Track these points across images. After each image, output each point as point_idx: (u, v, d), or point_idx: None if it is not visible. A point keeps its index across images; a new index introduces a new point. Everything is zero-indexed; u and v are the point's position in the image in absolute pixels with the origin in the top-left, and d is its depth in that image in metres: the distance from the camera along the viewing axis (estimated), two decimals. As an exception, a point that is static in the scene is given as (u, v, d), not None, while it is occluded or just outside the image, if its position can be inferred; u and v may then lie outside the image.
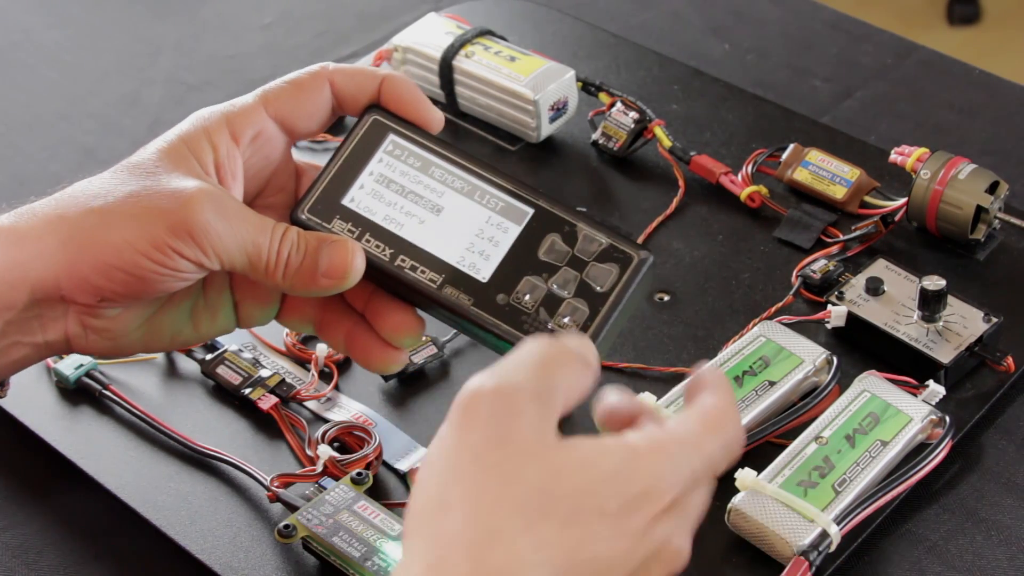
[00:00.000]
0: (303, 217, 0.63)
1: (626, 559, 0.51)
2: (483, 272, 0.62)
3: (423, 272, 0.62)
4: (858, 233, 0.88)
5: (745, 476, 0.72)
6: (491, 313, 0.61)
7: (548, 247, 0.61)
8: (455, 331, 0.83)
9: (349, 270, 0.62)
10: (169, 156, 0.62)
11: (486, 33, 0.99)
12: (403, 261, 0.62)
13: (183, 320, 0.66)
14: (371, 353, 0.65)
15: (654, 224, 0.91)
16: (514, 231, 0.62)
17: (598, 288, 0.60)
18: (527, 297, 0.61)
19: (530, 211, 0.62)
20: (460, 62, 0.97)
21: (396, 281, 0.62)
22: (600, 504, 0.51)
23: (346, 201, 0.63)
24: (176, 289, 0.63)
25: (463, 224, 0.62)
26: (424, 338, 0.82)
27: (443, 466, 0.52)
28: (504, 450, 0.51)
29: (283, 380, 0.80)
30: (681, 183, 0.93)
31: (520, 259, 0.61)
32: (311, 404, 0.80)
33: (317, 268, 0.62)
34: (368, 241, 0.63)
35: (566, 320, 0.60)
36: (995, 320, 0.80)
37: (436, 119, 0.65)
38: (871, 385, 0.76)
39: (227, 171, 0.64)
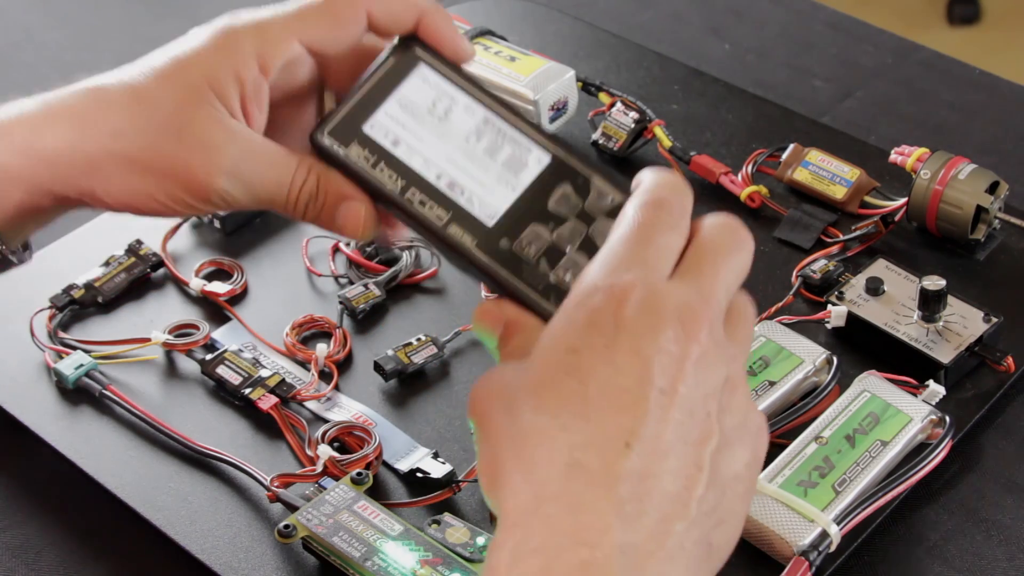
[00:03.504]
0: (323, 139, 0.62)
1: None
2: (490, 215, 0.61)
3: (431, 208, 0.61)
4: (858, 233, 0.88)
5: (745, 476, 0.72)
6: (492, 257, 0.60)
7: (559, 197, 0.60)
8: (455, 331, 0.83)
9: (359, 233, 0.62)
10: (191, 98, 0.61)
11: (486, 33, 0.99)
12: (413, 194, 0.61)
13: None
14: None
15: (654, 224, 0.91)
16: (527, 175, 0.61)
17: (602, 245, 0.58)
18: (530, 246, 0.59)
19: (546, 158, 0.61)
20: (460, 62, 0.97)
21: (403, 212, 0.61)
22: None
23: (367, 128, 0.62)
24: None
25: (479, 161, 0.61)
26: (424, 338, 0.82)
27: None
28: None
29: (283, 380, 0.80)
30: (681, 183, 0.93)
31: (529, 206, 0.60)
32: (311, 404, 0.80)
33: (333, 220, 0.62)
34: (382, 170, 0.61)
35: (565, 274, 0.59)
36: (995, 320, 0.80)
37: (468, 51, 0.63)
38: (871, 385, 0.76)
39: (253, 104, 0.62)
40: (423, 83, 0.62)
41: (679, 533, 0.50)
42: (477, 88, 0.62)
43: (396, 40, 0.63)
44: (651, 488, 0.50)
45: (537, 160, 0.61)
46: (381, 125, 0.62)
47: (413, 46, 0.63)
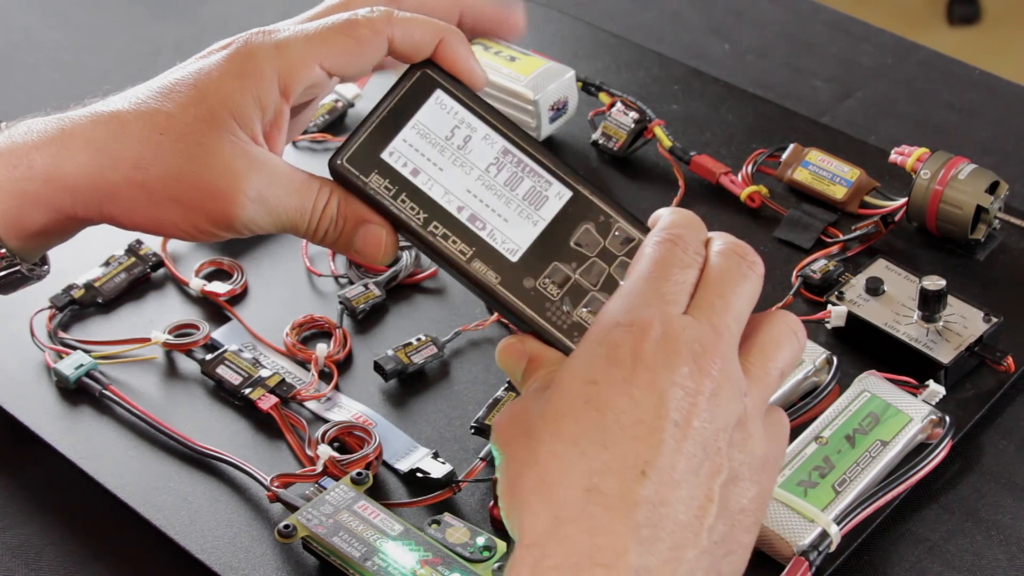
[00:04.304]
0: (342, 167, 0.62)
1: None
2: (513, 250, 0.61)
3: (454, 242, 0.61)
4: (858, 233, 0.88)
5: (745, 476, 0.72)
6: (516, 295, 0.60)
7: (581, 235, 0.61)
8: (455, 331, 0.83)
9: (379, 257, 0.62)
10: (212, 127, 0.61)
11: (486, 33, 0.99)
12: (435, 228, 0.61)
13: None
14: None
15: (654, 224, 0.91)
16: (548, 211, 0.61)
17: (621, 281, 0.59)
18: (553, 284, 0.60)
19: (567, 194, 0.61)
20: (460, 62, 0.97)
21: (426, 245, 0.61)
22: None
23: (385, 155, 0.62)
24: None
25: (500, 194, 0.62)
26: (424, 338, 0.82)
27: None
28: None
29: (283, 380, 0.80)
30: (681, 183, 0.93)
31: (552, 243, 0.61)
32: (311, 404, 0.80)
33: (351, 245, 0.62)
34: (403, 202, 0.61)
35: (587, 312, 0.60)
36: (995, 320, 0.80)
37: (483, 79, 0.64)
38: (871, 385, 0.76)
39: (274, 128, 0.62)
40: (440, 109, 0.62)
41: (691, 560, 0.52)
42: (493, 116, 0.62)
43: (411, 65, 0.63)
44: (665, 516, 0.52)
45: (557, 195, 0.62)
46: (400, 153, 0.62)
47: (428, 70, 0.63)
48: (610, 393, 0.53)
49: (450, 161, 0.62)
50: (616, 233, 0.60)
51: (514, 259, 0.61)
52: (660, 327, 0.54)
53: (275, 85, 0.61)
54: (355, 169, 0.61)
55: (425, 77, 0.62)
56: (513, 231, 0.61)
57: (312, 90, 0.63)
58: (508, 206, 0.61)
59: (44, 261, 0.68)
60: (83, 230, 0.65)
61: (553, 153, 0.62)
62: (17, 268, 0.65)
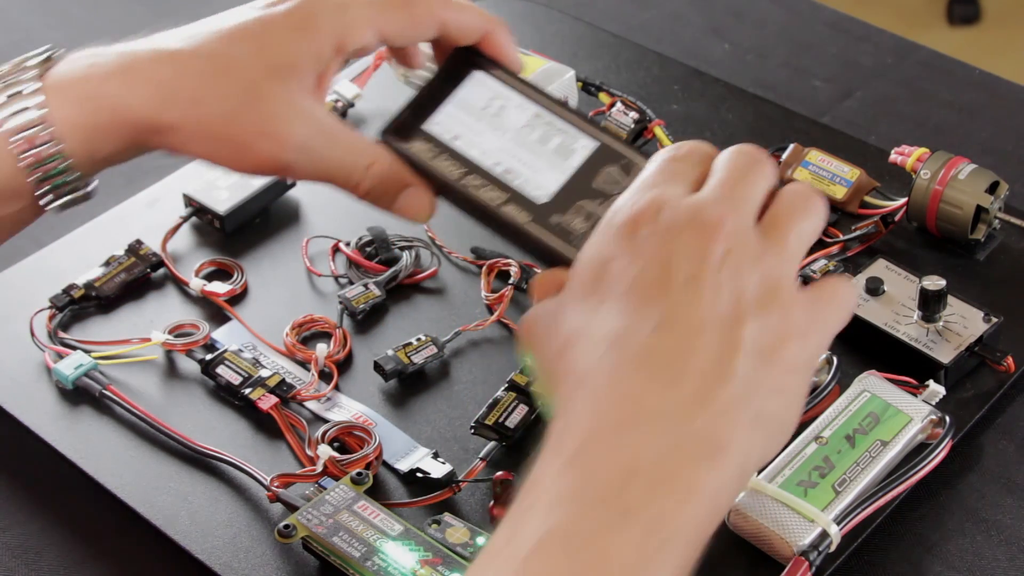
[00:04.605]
0: (389, 136, 0.67)
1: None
2: (542, 193, 0.66)
3: (488, 191, 0.66)
4: (858, 233, 0.88)
5: (745, 476, 0.72)
6: (545, 230, 0.64)
7: (604, 177, 0.64)
8: (455, 331, 0.83)
9: (422, 216, 0.67)
10: (270, 75, 0.65)
11: (486, 33, 0.99)
12: (471, 180, 0.66)
13: None
14: None
15: (654, 224, 0.91)
16: (575, 159, 0.66)
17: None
18: (578, 219, 0.63)
19: (593, 144, 0.66)
20: (460, 62, 0.97)
21: (461, 197, 0.66)
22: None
23: (427, 126, 0.68)
24: None
25: (532, 149, 0.67)
26: (424, 338, 0.82)
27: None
28: None
29: (283, 380, 0.80)
30: (681, 183, 0.93)
31: (577, 187, 0.65)
32: (311, 404, 0.80)
33: (393, 202, 0.67)
34: (443, 161, 0.67)
35: None
36: (995, 320, 0.80)
37: (521, 65, 0.70)
38: (871, 385, 0.76)
39: (322, 81, 0.67)
40: (480, 87, 0.69)
41: (722, 398, 0.53)
42: (530, 88, 0.68)
43: (456, 50, 0.69)
44: (687, 360, 0.54)
45: (584, 146, 0.67)
46: (442, 123, 0.68)
47: (472, 56, 0.69)
48: (621, 265, 0.56)
49: (487, 126, 0.68)
50: (637, 172, 0.62)
51: (543, 201, 0.65)
52: (665, 204, 0.56)
53: (332, 42, 0.66)
54: (401, 136, 0.67)
55: (468, 60, 0.69)
56: (542, 178, 0.66)
57: (360, 52, 0.67)
58: (538, 158, 0.66)
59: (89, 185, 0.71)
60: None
61: (583, 114, 0.68)
62: (85, 192, 0.68)
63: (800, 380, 0.56)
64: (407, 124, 0.68)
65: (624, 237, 0.56)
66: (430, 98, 0.69)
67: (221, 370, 0.81)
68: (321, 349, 0.82)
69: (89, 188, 0.67)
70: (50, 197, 0.66)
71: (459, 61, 0.69)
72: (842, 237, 0.88)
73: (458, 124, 0.68)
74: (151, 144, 0.66)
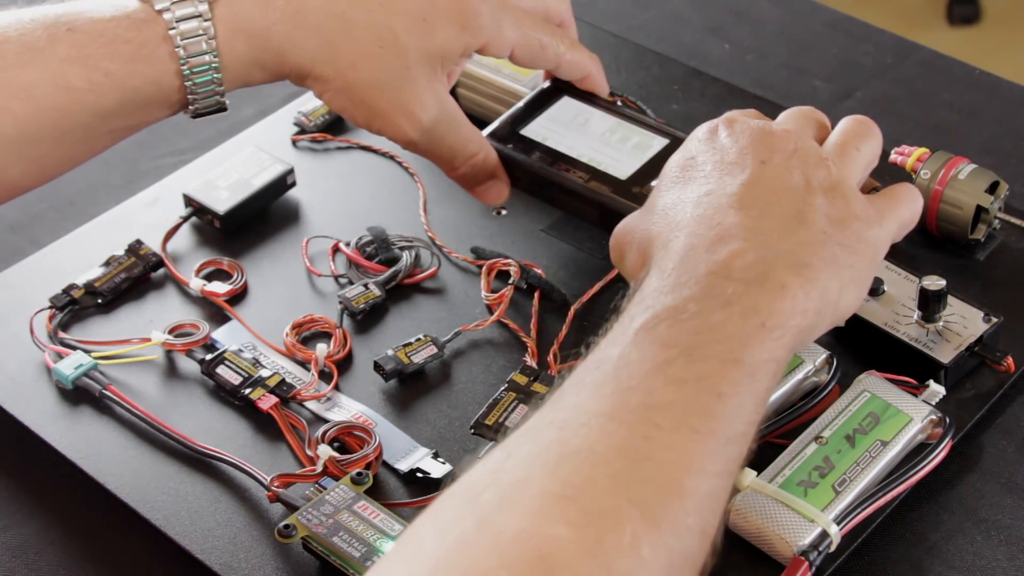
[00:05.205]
0: (490, 137, 0.81)
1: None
2: (623, 174, 0.80)
3: (575, 173, 0.80)
4: (858, 233, 0.88)
5: (744, 476, 0.72)
6: (628, 199, 0.78)
7: None
8: (455, 331, 0.83)
9: (495, 201, 0.82)
10: (423, 61, 0.74)
11: (486, 33, 0.99)
12: (559, 167, 0.81)
13: None
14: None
15: (654, 224, 0.91)
16: (651, 152, 0.81)
17: None
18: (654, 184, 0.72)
19: (665, 140, 0.82)
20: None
21: (551, 182, 0.80)
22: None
23: (523, 131, 0.83)
24: None
25: (614, 146, 0.82)
26: (424, 338, 0.82)
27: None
28: None
29: (283, 380, 0.80)
30: (681, 183, 0.93)
31: (654, 167, 0.78)
32: (311, 404, 0.80)
33: (476, 186, 0.81)
34: (535, 155, 0.82)
35: None
36: (995, 320, 0.80)
37: (606, 90, 0.85)
38: (871, 385, 0.76)
39: (456, 72, 0.82)
40: (568, 107, 0.85)
41: (803, 235, 0.62)
42: (611, 107, 0.84)
43: (553, 79, 0.86)
44: (771, 204, 0.63)
45: (658, 143, 0.82)
46: (535, 131, 0.83)
47: (565, 84, 0.85)
48: (703, 159, 0.66)
49: (574, 131, 0.83)
50: None
51: (624, 177, 0.80)
52: (737, 120, 0.68)
53: (481, 44, 0.75)
54: (499, 139, 0.82)
55: (561, 88, 0.86)
56: (622, 165, 0.81)
57: (483, 54, 0.78)
58: (619, 152, 0.81)
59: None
60: None
61: (658, 122, 0.83)
62: (223, 107, 0.75)
63: (870, 252, 0.65)
64: (505, 130, 0.83)
65: (704, 141, 0.67)
66: (526, 112, 0.84)
67: (221, 370, 0.81)
68: (321, 349, 0.82)
69: (226, 103, 0.75)
70: (194, 108, 0.74)
71: (554, 89, 0.85)
72: (842, 237, 0.88)
73: (549, 131, 0.83)
74: (297, 82, 0.75)
